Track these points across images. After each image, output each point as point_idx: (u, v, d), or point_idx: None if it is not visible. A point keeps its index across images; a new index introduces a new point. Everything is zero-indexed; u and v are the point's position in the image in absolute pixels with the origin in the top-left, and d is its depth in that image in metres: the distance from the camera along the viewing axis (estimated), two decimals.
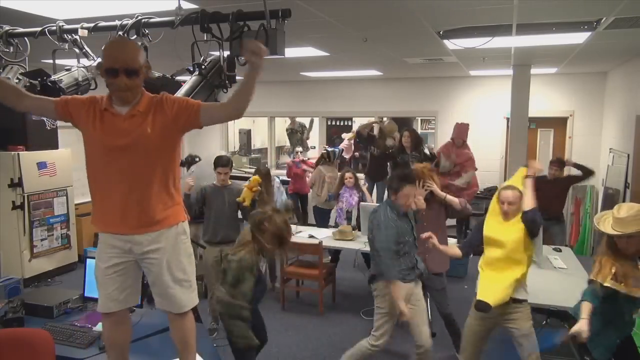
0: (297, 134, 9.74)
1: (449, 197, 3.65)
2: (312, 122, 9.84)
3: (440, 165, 5.84)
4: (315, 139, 9.38)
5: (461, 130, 6.01)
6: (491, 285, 2.88)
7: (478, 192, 7.29)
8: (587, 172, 5.36)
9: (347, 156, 8.20)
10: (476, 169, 6.00)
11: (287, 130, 9.89)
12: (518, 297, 2.89)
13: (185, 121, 2.09)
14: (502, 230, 2.91)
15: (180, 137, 2.17)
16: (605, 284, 2.45)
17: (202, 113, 2.07)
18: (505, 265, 2.89)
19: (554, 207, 5.25)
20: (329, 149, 6.51)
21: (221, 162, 4.29)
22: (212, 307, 4.42)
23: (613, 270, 2.45)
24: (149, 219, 2.09)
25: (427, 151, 6.12)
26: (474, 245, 3.17)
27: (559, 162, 5.45)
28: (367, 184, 6.49)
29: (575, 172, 5.50)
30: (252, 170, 8.44)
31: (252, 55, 1.91)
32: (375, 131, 6.59)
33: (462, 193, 5.78)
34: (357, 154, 8.37)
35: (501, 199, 2.91)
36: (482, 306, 2.81)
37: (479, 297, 2.85)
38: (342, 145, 7.16)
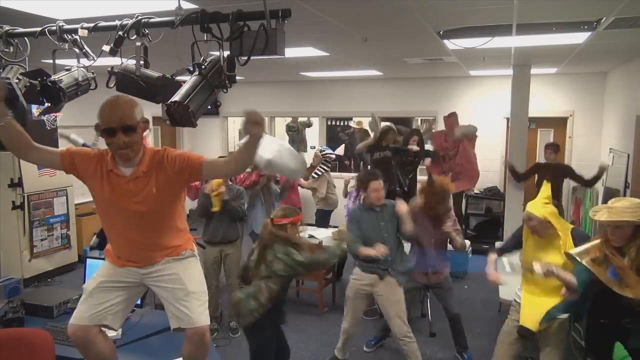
0: (298, 133, 9.70)
1: (453, 235, 3.80)
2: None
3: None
4: (316, 139, 9.37)
5: (448, 123, 6.31)
6: (533, 310, 2.88)
7: (477, 191, 7.32)
8: (587, 182, 5.38)
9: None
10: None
11: (287, 126, 9.85)
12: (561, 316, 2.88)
13: (188, 177, 2.16)
14: (539, 247, 2.90)
15: (184, 187, 2.26)
16: (583, 262, 2.48)
17: (204, 170, 2.14)
18: (545, 289, 2.86)
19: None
20: (326, 150, 6.50)
21: None
22: (213, 307, 4.44)
23: (595, 255, 2.48)
24: (159, 256, 2.19)
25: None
26: (510, 251, 3.28)
27: (554, 146, 5.58)
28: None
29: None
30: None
31: (253, 126, 1.96)
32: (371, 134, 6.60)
33: (462, 175, 5.93)
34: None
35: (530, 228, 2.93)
36: (525, 332, 2.88)
37: (521, 322, 2.90)
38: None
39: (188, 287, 2.17)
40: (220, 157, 4.45)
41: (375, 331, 4.15)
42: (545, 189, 2.99)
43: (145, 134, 2.16)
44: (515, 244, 3.15)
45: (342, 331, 3.73)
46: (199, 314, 2.17)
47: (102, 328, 2.19)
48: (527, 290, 2.98)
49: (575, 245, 2.75)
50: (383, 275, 3.51)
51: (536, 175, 5.94)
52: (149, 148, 2.16)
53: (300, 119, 9.15)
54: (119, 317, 2.22)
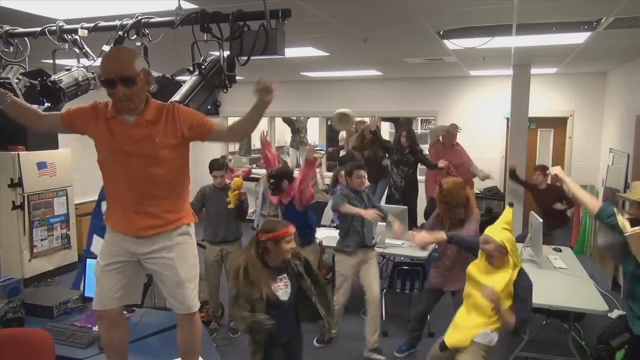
0: (298, 135, 9.73)
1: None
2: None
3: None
4: (316, 139, 9.38)
5: (449, 136, 6.31)
6: (460, 322, 2.90)
7: (477, 191, 7.31)
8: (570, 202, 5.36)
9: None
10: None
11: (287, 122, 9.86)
12: (480, 341, 2.79)
13: (195, 135, 2.16)
14: (483, 272, 2.85)
15: (188, 146, 2.22)
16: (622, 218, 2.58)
17: (212, 133, 2.17)
18: (473, 310, 2.83)
19: (557, 219, 5.28)
20: (319, 147, 6.57)
21: (216, 166, 4.35)
22: (214, 306, 4.44)
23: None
24: (156, 222, 2.14)
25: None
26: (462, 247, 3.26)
27: (541, 168, 5.52)
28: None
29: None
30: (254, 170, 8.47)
31: (264, 93, 2.04)
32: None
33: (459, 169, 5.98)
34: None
35: (483, 251, 2.86)
36: (441, 344, 2.92)
37: (445, 336, 2.92)
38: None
39: (181, 275, 2.18)
40: (223, 156, 4.47)
41: (408, 338, 4.11)
42: (507, 214, 2.92)
43: (151, 88, 2.16)
44: (471, 246, 3.09)
45: (339, 307, 4.01)
46: (190, 300, 2.22)
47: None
48: (465, 305, 2.92)
49: (515, 290, 2.73)
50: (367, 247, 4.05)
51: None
52: (154, 100, 2.15)
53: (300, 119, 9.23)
54: (137, 289, 2.29)
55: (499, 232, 2.81)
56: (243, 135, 2.34)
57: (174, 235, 2.18)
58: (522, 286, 2.75)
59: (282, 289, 2.64)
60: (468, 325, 2.82)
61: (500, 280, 2.75)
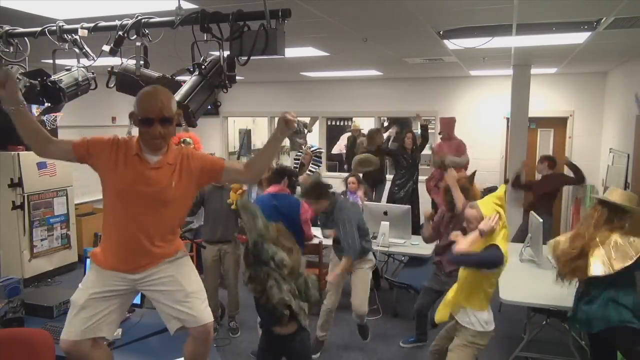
0: (297, 135, 9.70)
1: None
2: (312, 120, 9.76)
3: (432, 161, 6.23)
4: (316, 139, 9.37)
5: (445, 124, 6.32)
6: (448, 298, 3.01)
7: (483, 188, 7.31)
8: (579, 177, 5.49)
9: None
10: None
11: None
12: (464, 324, 2.88)
13: (207, 180, 2.24)
14: (464, 243, 2.90)
15: (199, 188, 2.30)
16: None
17: (224, 175, 2.21)
18: (461, 285, 2.93)
19: (542, 203, 5.38)
20: (313, 146, 6.58)
21: None
22: (214, 306, 4.43)
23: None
24: (155, 260, 2.17)
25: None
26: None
27: (548, 159, 5.57)
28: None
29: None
30: None
31: (285, 126, 2.08)
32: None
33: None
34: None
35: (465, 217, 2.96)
36: (433, 325, 3.15)
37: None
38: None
39: (187, 288, 2.16)
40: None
41: (416, 333, 4.17)
42: (500, 190, 2.98)
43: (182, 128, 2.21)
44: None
45: (327, 311, 3.96)
46: (202, 311, 2.17)
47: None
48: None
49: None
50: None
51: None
52: (172, 144, 2.19)
53: (302, 120, 9.17)
54: (114, 325, 2.20)
55: (486, 206, 2.86)
56: (261, 170, 2.30)
57: (172, 259, 2.22)
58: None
59: None
60: (450, 298, 2.95)
61: (470, 240, 2.82)
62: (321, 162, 6.66)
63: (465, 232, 2.99)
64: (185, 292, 2.15)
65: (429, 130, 9.20)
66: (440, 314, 3.00)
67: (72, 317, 2.10)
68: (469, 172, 6.18)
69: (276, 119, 9.45)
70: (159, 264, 2.18)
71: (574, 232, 2.86)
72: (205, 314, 2.18)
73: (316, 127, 9.27)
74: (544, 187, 5.49)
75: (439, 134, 6.38)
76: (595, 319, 2.77)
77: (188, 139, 5.02)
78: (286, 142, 10.10)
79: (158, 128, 2.03)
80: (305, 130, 9.68)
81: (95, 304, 2.10)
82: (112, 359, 2.26)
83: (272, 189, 4.01)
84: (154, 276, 2.16)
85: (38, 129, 2.11)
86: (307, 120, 9.79)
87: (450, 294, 2.99)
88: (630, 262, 2.56)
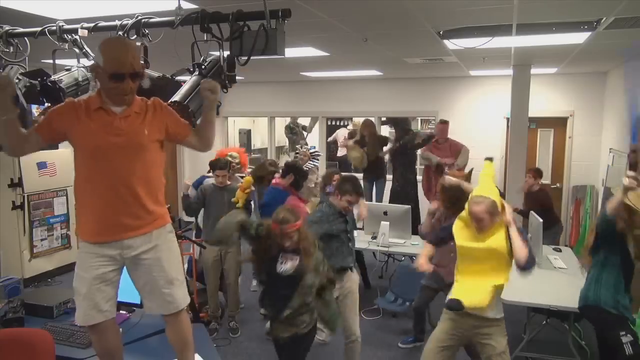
0: (295, 136, 9.73)
1: None
2: (312, 122, 9.79)
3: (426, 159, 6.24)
4: (316, 139, 9.38)
5: (441, 130, 6.36)
6: (468, 289, 2.72)
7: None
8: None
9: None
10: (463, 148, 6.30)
11: (285, 128, 9.87)
12: (495, 316, 2.76)
13: (175, 134, 2.20)
14: (480, 240, 2.75)
15: (163, 140, 2.22)
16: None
17: (185, 143, 2.25)
18: (483, 275, 2.72)
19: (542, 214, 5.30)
20: (312, 148, 6.65)
21: (219, 165, 4.34)
22: (214, 306, 4.43)
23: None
24: (141, 221, 2.09)
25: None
26: (440, 241, 3.13)
27: (534, 171, 5.47)
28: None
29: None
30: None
31: (208, 93, 2.12)
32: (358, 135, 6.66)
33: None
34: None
35: (472, 216, 2.74)
36: (455, 304, 2.64)
37: (451, 296, 2.71)
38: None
39: (170, 274, 2.14)
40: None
41: (414, 332, 4.19)
42: (488, 167, 3.00)
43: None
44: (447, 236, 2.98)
45: None
46: (180, 298, 2.18)
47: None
48: (461, 279, 2.80)
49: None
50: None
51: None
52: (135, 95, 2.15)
53: (301, 122, 9.24)
54: (113, 301, 2.20)
55: (488, 190, 2.77)
56: (209, 139, 2.27)
57: (160, 234, 2.16)
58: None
59: (284, 263, 2.66)
60: (484, 285, 2.67)
61: (500, 239, 2.68)
62: (317, 164, 6.80)
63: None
64: (168, 277, 2.13)
65: (428, 130, 9.25)
66: (478, 297, 2.64)
67: (84, 302, 2.10)
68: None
69: (276, 119, 9.53)
70: (147, 233, 2.10)
71: None
72: (182, 300, 2.20)
73: (316, 127, 9.30)
74: (537, 204, 5.28)
75: (436, 139, 6.32)
76: (580, 298, 3.03)
77: (234, 153, 5.09)
78: (286, 142, 10.12)
79: (129, 83, 1.97)
80: (305, 133, 9.73)
81: (95, 292, 2.08)
82: (120, 336, 2.31)
83: (274, 181, 4.25)
84: (143, 255, 2.09)
85: (21, 135, 2.03)
86: (307, 120, 9.86)
87: (480, 281, 2.70)
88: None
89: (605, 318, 2.90)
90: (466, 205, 2.82)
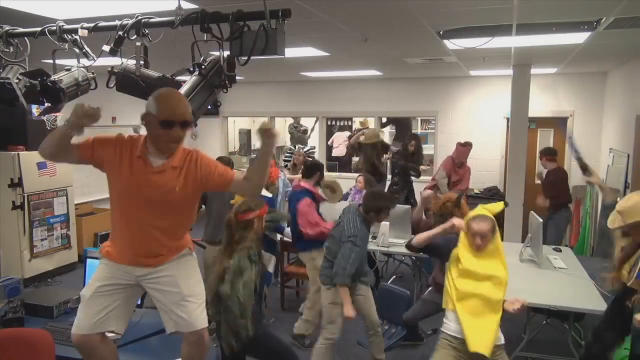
0: (298, 137, 9.74)
1: None
2: (315, 123, 9.76)
3: (438, 176, 6.13)
4: (316, 139, 9.38)
5: (461, 152, 6.17)
6: (478, 332, 2.66)
7: (478, 191, 7.32)
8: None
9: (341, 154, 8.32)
10: (466, 189, 6.23)
11: (289, 128, 9.88)
12: (498, 343, 2.72)
13: (213, 189, 2.22)
14: (480, 264, 2.72)
15: (200, 193, 2.26)
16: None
17: (233, 185, 2.19)
18: (485, 308, 2.69)
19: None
20: (306, 149, 6.63)
21: (222, 163, 4.30)
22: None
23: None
24: (159, 258, 2.17)
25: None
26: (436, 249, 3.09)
27: (547, 152, 5.65)
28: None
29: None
30: None
31: (266, 136, 2.08)
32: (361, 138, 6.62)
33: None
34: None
35: (472, 232, 2.71)
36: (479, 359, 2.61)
37: (472, 349, 2.62)
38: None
39: (184, 291, 2.15)
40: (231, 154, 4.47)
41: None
42: (497, 206, 2.87)
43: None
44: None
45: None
46: (196, 316, 2.15)
47: (107, 333, 2.19)
48: (464, 312, 2.72)
49: None
50: None
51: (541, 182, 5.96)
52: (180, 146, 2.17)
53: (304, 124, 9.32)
54: (123, 320, 2.22)
55: (488, 208, 2.77)
56: (259, 184, 2.19)
57: (177, 256, 2.23)
58: None
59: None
60: (490, 325, 2.66)
61: (502, 267, 2.70)
62: None
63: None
64: (182, 295, 2.14)
65: (428, 130, 9.24)
66: (490, 343, 2.62)
67: (80, 310, 2.14)
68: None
69: (276, 119, 9.52)
70: (166, 261, 2.19)
71: None
72: (198, 320, 2.16)
73: (316, 127, 9.30)
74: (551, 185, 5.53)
75: (452, 158, 6.15)
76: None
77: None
78: (286, 142, 10.13)
79: (178, 131, 2.03)
80: (306, 136, 9.75)
81: (102, 297, 2.12)
82: (116, 354, 2.29)
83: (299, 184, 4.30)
84: (156, 274, 2.16)
85: (68, 147, 2.10)
86: (311, 120, 9.86)
87: (486, 318, 2.68)
88: None
89: None
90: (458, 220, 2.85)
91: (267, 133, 2.08)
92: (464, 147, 6.19)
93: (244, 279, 2.55)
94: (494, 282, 2.70)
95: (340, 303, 3.34)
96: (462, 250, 2.80)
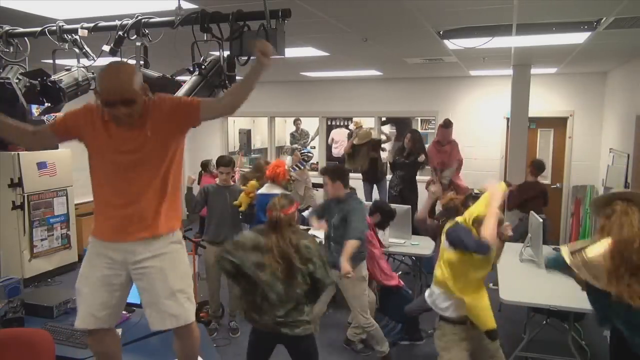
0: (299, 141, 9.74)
1: None
2: (316, 131, 9.74)
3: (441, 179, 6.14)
4: (316, 140, 9.39)
5: (445, 133, 6.29)
6: (483, 312, 2.78)
7: (477, 191, 7.31)
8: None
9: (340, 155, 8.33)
10: (460, 159, 6.27)
11: (291, 134, 9.90)
12: None
13: (183, 118, 2.09)
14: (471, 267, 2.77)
15: (180, 137, 2.16)
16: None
17: (202, 109, 2.07)
18: (476, 288, 2.81)
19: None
20: (304, 151, 6.65)
21: (223, 162, 4.30)
22: (214, 306, 4.43)
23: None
24: (147, 224, 2.08)
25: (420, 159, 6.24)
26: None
27: (533, 165, 5.58)
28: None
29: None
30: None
31: (261, 56, 1.95)
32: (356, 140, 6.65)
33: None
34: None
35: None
36: (496, 334, 2.75)
37: (489, 327, 2.73)
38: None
39: (173, 286, 2.09)
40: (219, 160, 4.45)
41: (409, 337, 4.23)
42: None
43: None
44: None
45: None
46: (184, 311, 2.12)
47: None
48: (468, 298, 2.78)
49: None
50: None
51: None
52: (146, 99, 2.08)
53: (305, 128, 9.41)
54: (120, 310, 2.22)
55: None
56: (238, 102, 2.06)
57: (166, 242, 2.13)
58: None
59: None
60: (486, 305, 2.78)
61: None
62: (304, 165, 6.98)
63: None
64: (170, 290, 2.09)
65: (429, 130, 9.24)
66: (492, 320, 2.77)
67: (80, 304, 2.11)
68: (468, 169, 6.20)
69: (276, 119, 9.51)
70: (154, 238, 2.09)
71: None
72: (186, 314, 2.13)
73: (316, 127, 9.30)
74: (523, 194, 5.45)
75: (438, 140, 6.30)
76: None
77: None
78: (286, 142, 10.13)
79: (121, 109, 1.96)
80: (308, 139, 9.76)
81: (95, 294, 2.07)
82: (119, 342, 2.30)
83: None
84: (146, 262, 2.07)
85: (16, 126, 2.10)
86: (311, 121, 9.84)
87: (480, 299, 2.79)
88: None
89: None
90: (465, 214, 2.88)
91: (266, 51, 1.95)
92: (446, 128, 6.28)
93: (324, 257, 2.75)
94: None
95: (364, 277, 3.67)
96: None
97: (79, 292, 2.11)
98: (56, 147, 5.86)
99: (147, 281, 2.09)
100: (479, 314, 2.75)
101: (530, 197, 5.38)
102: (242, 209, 4.10)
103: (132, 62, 2.75)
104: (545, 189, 5.54)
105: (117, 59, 2.76)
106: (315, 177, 7.02)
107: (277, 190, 4.37)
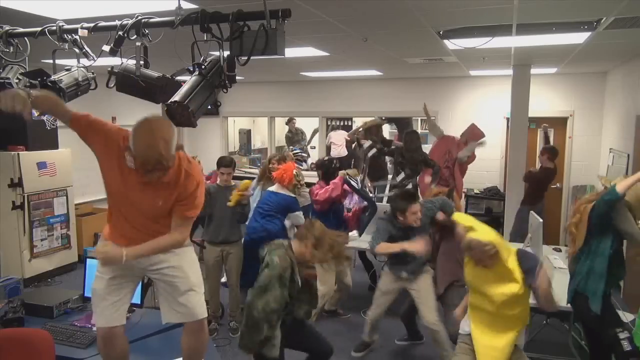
0: (296, 139, 9.75)
1: None
2: (314, 132, 9.74)
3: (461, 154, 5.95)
4: (316, 139, 9.39)
5: (475, 133, 6.01)
6: (490, 353, 2.63)
7: (478, 191, 7.33)
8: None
9: (339, 155, 8.31)
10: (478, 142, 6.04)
11: (286, 136, 9.91)
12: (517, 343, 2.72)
13: (175, 208, 2.15)
14: (487, 279, 2.62)
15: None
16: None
17: (177, 221, 2.16)
18: (498, 325, 2.64)
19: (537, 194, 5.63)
20: (296, 149, 6.61)
21: (224, 163, 4.31)
22: (214, 306, 4.43)
23: None
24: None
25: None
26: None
27: (551, 150, 5.76)
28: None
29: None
30: (252, 170, 8.48)
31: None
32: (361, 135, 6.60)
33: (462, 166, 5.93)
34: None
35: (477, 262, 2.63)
36: None
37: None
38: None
39: (190, 280, 2.21)
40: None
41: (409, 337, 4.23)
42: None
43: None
44: None
45: (368, 321, 3.90)
46: (199, 307, 2.24)
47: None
48: (476, 329, 2.71)
49: (522, 266, 2.54)
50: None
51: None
52: (179, 160, 2.09)
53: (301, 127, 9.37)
54: (124, 313, 2.28)
55: (482, 233, 2.59)
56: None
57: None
58: (525, 260, 2.58)
59: None
60: (505, 341, 2.63)
61: (509, 283, 2.54)
62: (300, 166, 7.04)
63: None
64: (188, 285, 2.20)
65: (426, 130, 9.22)
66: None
67: (98, 306, 2.18)
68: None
69: (276, 119, 9.53)
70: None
71: None
72: (201, 309, 2.24)
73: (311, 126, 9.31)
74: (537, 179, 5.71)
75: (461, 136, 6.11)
76: (569, 291, 3.05)
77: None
78: (285, 145, 10.14)
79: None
80: (306, 138, 9.76)
81: (112, 293, 2.16)
82: (128, 347, 2.33)
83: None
84: (160, 264, 2.18)
85: (57, 104, 2.16)
86: (308, 121, 9.86)
87: (501, 335, 2.63)
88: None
89: (599, 316, 2.80)
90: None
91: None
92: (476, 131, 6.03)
93: None
94: (508, 297, 2.58)
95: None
96: (467, 263, 2.74)
97: (95, 292, 2.19)
98: (56, 147, 5.88)
99: (168, 278, 2.19)
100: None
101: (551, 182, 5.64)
102: (230, 204, 4.07)
103: (132, 62, 2.75)
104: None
105: (118, 59, 2.77)
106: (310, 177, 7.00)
107: (285, 192, 4.40)
